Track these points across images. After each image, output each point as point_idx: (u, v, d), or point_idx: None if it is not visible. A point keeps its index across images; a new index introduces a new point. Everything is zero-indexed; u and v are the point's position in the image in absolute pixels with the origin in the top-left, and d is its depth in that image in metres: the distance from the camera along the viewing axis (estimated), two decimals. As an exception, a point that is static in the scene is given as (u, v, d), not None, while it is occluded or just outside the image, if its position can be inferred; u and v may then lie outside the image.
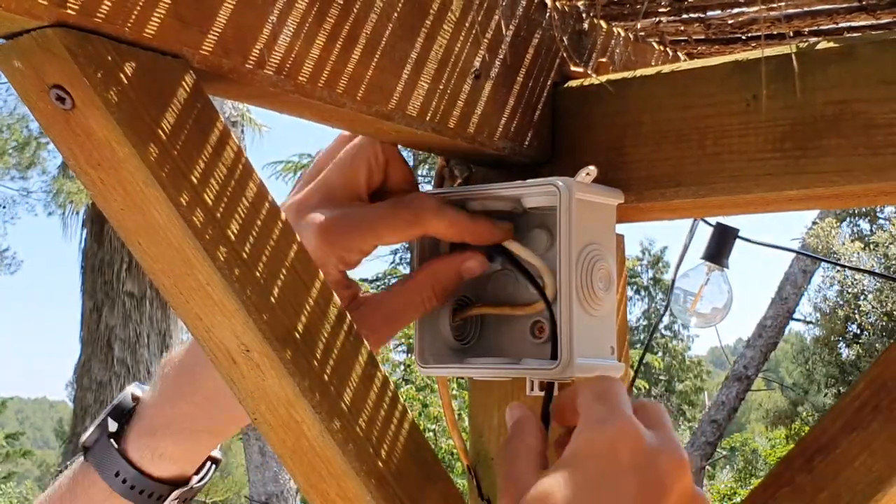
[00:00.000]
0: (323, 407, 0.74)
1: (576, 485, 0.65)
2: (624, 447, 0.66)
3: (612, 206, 0.89)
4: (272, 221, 0.72)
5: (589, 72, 1.01)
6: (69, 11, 0.61)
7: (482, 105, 0.91)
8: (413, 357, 1.00)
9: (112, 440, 0.84)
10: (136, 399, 0.87)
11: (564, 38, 1.00)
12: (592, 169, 0.83)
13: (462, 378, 1.54)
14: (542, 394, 0.84)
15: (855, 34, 1.05)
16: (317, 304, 0.75)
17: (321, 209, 0.83)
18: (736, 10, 1.06)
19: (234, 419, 0.84)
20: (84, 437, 0.84)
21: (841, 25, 1.05)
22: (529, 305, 0.86)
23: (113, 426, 0.84)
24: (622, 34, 1.10)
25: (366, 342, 0.79)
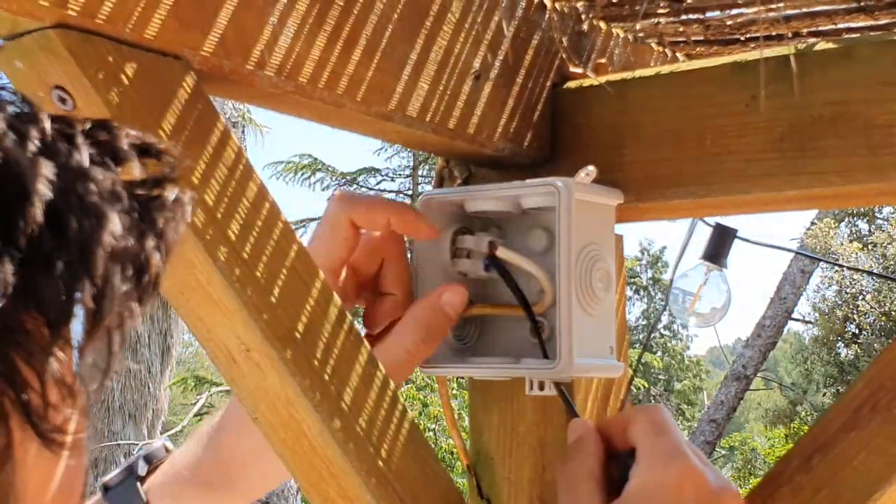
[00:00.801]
0: (323, 406, 0.74)
1: None
2: (690, 486, 0.67)
3: (612, 206, 0.89)
4: (273, 221, 0.73)
5: (588, 73, 1.01)
6: (70, 12, 0.61)
7: (482, 106, 0.91)
8: (413, 357, 0.99)
9: (139, 483, 0.84)
10: (167, 451, 0.87)
11: (564, 40, 1.00)
12: (592, 169, 0.84)
13: (462, 378, 1.54)
14: (541, 393, 0.84)
15: (854, 35, 1.05)
16: (317, 304, 0.75)
17: None
18: (735, 12, 1.06)
19: (268, 483, 0.83)
20: (108, 476, 0.84)
21: (840, 26, 1.06)
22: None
23: (143, 469, 0.84)
24: (621, 35, 1.11)
25: (366, 342, 0.79)
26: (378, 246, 0.84)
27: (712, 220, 2.22)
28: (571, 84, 0.99)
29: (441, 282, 0.87)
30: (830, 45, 0.86)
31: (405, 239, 0.87)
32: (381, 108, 0.82)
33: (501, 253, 0.86)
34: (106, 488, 0.84)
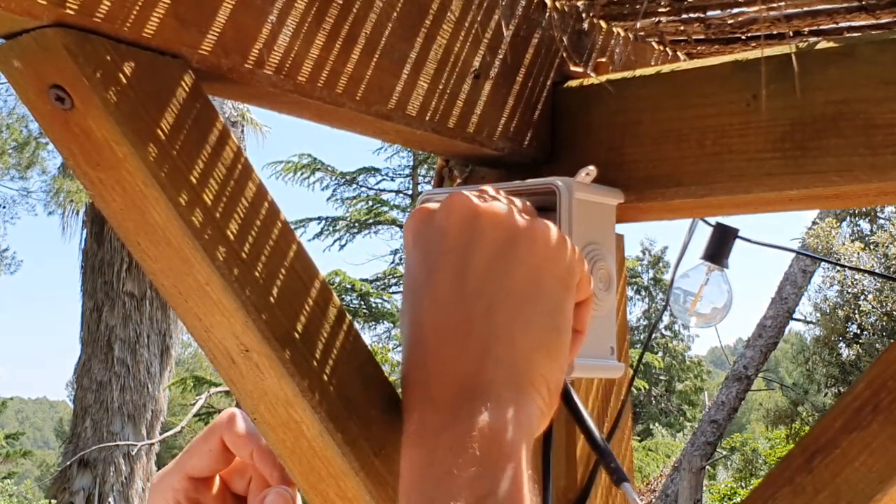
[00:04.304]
0: (322, 407, 0.74)
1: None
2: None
3: (612, 206, 0.88)
4: (271, 221, 0.72)
5: (589, 72, 1.00)
6: (68, 11, 0.61)
7: (482, 105, 0.91)
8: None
9: None
10: None
11: (564, 38, 1.00)
12: (592, 169, 0.83)
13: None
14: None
15: (855, 34, 1.05)
16: (316, 304, 0.75)
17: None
18: (736, 10, 1.06)
19: None
20: None
21: (841, 25, 1.05)
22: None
23: None
24: (622, 34, 1.10)
25: (365, 343, 0.79)
26: (245, 467, 0.84)
27: (713, 220, 2.22)
28: (572, 83, 0.99)
29: None
30: (831, 44, 0.86)
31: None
32: (381, 107, 0.81)
33: None
34: None
